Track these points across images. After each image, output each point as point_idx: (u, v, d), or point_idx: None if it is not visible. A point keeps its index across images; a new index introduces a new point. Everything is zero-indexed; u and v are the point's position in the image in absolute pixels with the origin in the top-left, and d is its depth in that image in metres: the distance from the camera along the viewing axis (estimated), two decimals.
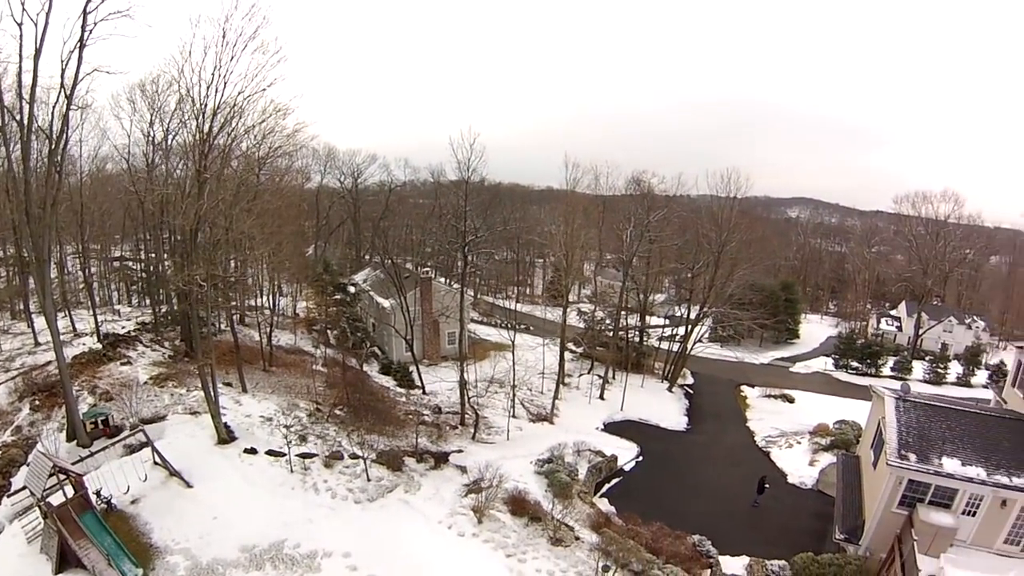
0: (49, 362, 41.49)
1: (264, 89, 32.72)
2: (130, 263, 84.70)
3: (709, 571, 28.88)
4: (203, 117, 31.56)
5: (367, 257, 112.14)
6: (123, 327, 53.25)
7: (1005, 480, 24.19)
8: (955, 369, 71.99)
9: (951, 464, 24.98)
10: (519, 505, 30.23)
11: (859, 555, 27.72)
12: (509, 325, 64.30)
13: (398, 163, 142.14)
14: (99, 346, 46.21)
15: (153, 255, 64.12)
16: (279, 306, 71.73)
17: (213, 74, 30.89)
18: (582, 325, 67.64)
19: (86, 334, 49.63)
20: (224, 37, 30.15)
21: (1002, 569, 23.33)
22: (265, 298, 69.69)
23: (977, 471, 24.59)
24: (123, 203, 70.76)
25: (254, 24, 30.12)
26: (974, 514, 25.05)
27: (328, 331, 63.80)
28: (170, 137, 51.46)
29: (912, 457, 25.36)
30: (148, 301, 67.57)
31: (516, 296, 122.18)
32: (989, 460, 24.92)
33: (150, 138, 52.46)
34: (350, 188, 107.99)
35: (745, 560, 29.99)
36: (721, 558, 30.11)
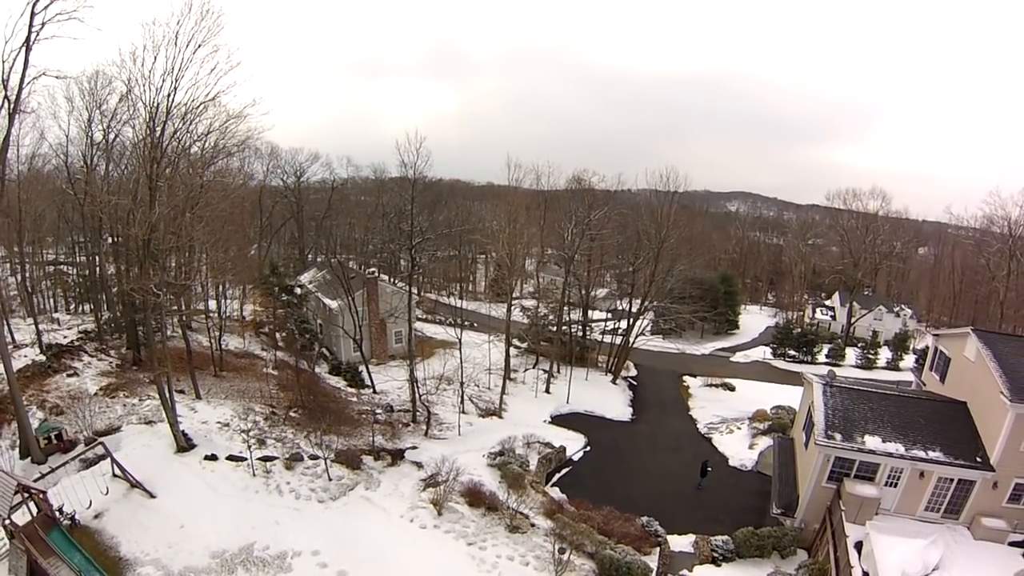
0: None
1: (215, 96, 32.94)
2: (64, 267, 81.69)
3: (659, 549, 30.64)
4: (154, 123, 31.19)
5: (311, 257, 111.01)
6: (65, 336, 51.38)
7: (921, 454, 26.74)
8: (885, 355, 75.95)
9: (872, 441, 27.42)
10: (475, 497, 31.39)
11: (795, 527, 30.16)
12: (455, 322, 65.05)
13: (340, 161, 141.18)
14: (42, 358, 44.64)
15: (94, 258, 61.25)
16: (226, 309, 70.57)
17: (163, 78, 30.68)
18: (526, 321, 68.84)
19: (26, 345, 47.56)
20: (176, 43, 30.09)
21: (923, 534, 25.75)
22: (210, 301, 68.43)
23: (896, 447, 27.09)
24: (57, 204, 68.56)
25: (205, 26, 30.19)
26: (896, 485, 27.53)
27: (277, 334, 63.49)
28: (111, 136, 49.99)
29: (838, 436, 27.73)
30: (89, 307, 65.50)
31: (459, 293, 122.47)
32: (907, 437, 27.45)
33: (89, 137, 50.68)
34: (293, 187, 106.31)
35: (691, 537, 32.01)
36: (669, 537, 32.03)
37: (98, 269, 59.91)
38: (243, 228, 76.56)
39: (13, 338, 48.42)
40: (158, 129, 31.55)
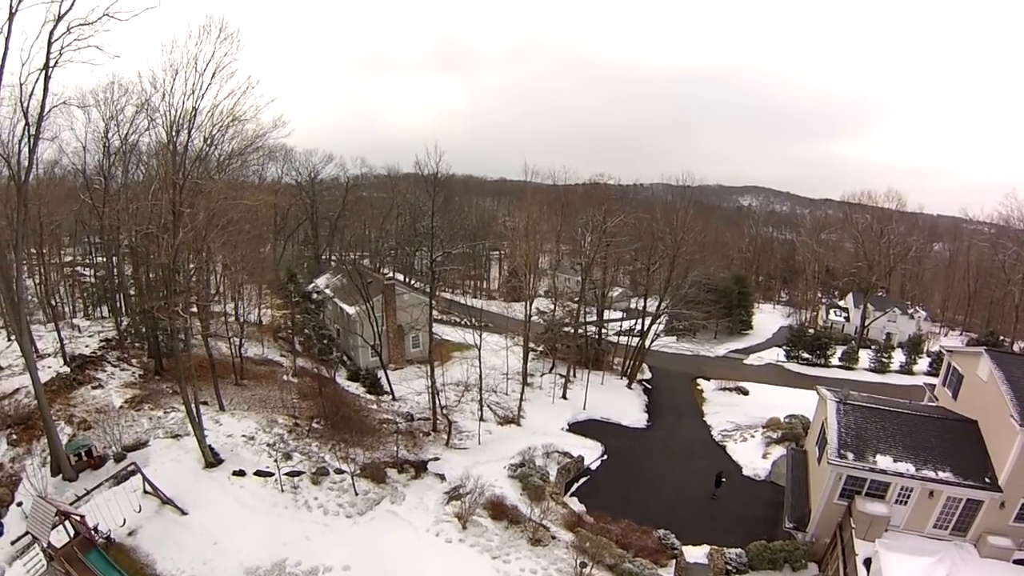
0: (17, 389, 40.44)
1: (235, 118, 33.53)
2: (81, 268, 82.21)
3: (674, 562, 31.40)
4: (175, 147, 31.22)
5: (324, 257, 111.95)
6: (87, 345, 51.75)
7: (931, 474, 27.38)
8: (898, 358, 75.44)
9: (884, 461, 28.07)
10: (498, 510, 32.34)
11: (806, 541, 30.78)
12: (473, 324, 65.24)
13: (355, 162, 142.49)
14: (67, 369, 44.96)
15: (112, 259, 61.58)
16: (244, 313, 70.29)
17: (183, 100, 30.51)
18: (542, 323, 69.31)
19: (49, 355, 47.83)
20: (196, 68, 29.96)
21: (930, 551, 26.52)
22: (227, 304, 68.38)
23: (907, 467, 27.72)
24: (75, 212, 69.02)
25: (224, 49, 30.03)
26: (906, 503, 28.19)
27: (295, 338, 64.04)
28: (128, 144, 50.85)
29: (850, 456, 28.40)
30: (106, 311, 66.06)
31: (474, 291, 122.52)
32: (918, 457, 28.08)
33: (106, 147, 51.33)
34: (307, 188, 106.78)
35: (706, 549, 32.61)
36: (684, 548, 32.76)
37: (115, 270, 60.41)
38: (258, 229, 76.54)
39: (36, 347, 48.06)
40: (179, 146, 31.54)
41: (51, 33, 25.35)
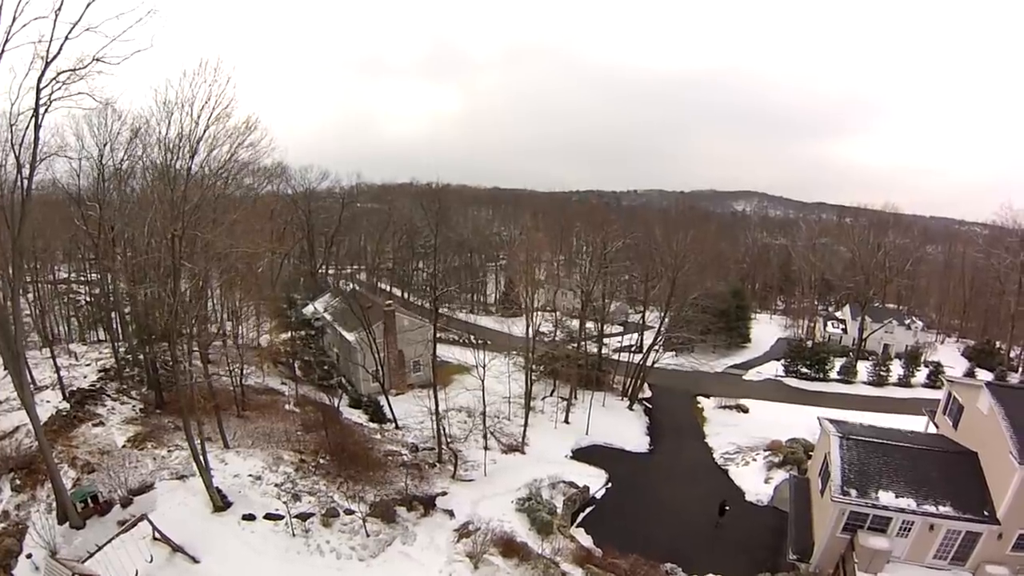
0: (17, 427, 39.40)
1: (235, 159, 33.83)
2: (75, 285, 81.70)
3: None
4: (175, 208, 30.43)
5: (321, 271, 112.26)
6: (84, 376, 51.04)
7: (932, 509, 28.03)
8: (896, 370, 75.65)
9: (886, 497, 28.65)
10: (509, 547, 32.53)
11: (810, 572, 31.16)
12: (473, 343, 64.97)
13: (350, 177, 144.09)
14: (66, 405, 43.96)
15: (107, 277, 59.98)
16: (242, 336, 69.83)
17: (181, 143, 30.84)
18: (544, 342, 69.35)
19: (46, 387, 47.28)
20: (191, 114, 30.03)
21: None
22: (225, 329, 67.01)
23: (908, 502, 28.36)
24: (70, 235, 68.70)
25: (220, 90, 29.71)
26: (906, 535, 28.82)
27: (295, 363, 64.00)
28: (122, 173, 50.93)
29: (853, 493, 28.94)
30: (102, 330, 65.44)
31: (471, 306, 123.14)
32: (919, 492, 28.67)
33: (100, 173, 51.05)
34: (303, 205, 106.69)
35: None
36: None
37: (110, 286, 59.63)
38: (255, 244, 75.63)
39: (33, 377, 47.29)
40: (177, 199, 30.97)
41: (39, 79, 24.43)
